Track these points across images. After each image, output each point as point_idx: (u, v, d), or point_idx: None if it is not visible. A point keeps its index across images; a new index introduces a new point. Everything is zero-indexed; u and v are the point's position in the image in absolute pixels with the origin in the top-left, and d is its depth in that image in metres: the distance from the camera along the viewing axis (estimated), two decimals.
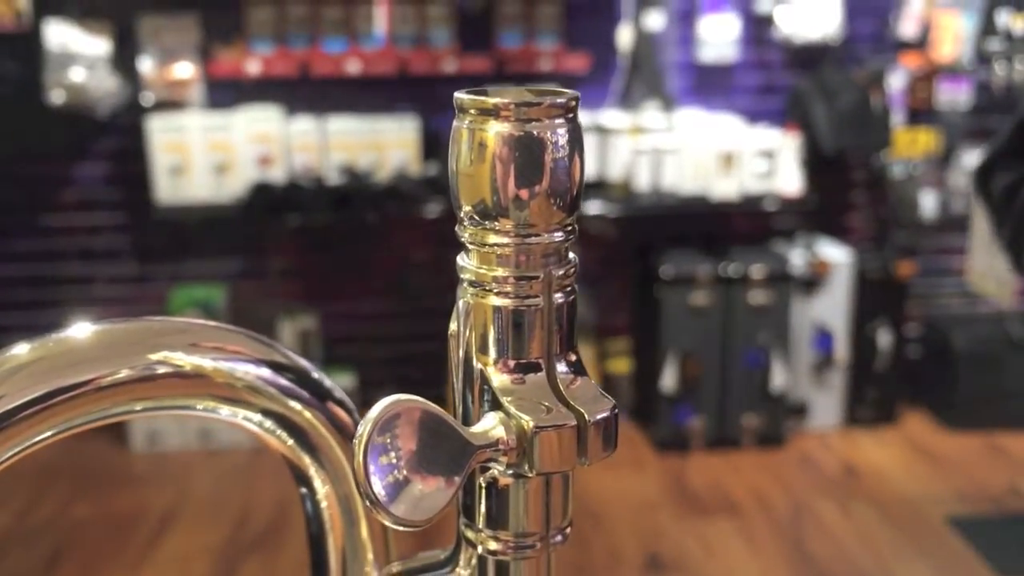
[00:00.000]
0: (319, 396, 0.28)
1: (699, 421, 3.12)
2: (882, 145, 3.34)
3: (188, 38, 3.08)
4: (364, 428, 0.22)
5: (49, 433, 0.25)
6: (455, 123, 0.24)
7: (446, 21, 3.13)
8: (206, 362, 0.26)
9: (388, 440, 0.22)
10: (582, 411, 0.24)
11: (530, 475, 0.24)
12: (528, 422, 0.23)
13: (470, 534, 0.26)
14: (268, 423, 0.28)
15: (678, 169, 3.08)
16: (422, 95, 3.20)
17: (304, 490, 0.29)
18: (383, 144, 3.09)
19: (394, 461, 0.22)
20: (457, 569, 0.27)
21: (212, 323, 0.27)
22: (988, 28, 3.37)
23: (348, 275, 3.35)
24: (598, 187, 3.14)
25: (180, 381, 0.26)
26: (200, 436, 3.12)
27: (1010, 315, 3.33)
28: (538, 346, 0.25)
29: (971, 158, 3.40)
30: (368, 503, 0.21)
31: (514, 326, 0.24)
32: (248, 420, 0.28)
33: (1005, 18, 3.37)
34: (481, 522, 0.25)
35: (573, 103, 0.23)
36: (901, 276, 3.29)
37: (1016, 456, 3.01)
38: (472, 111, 0.23)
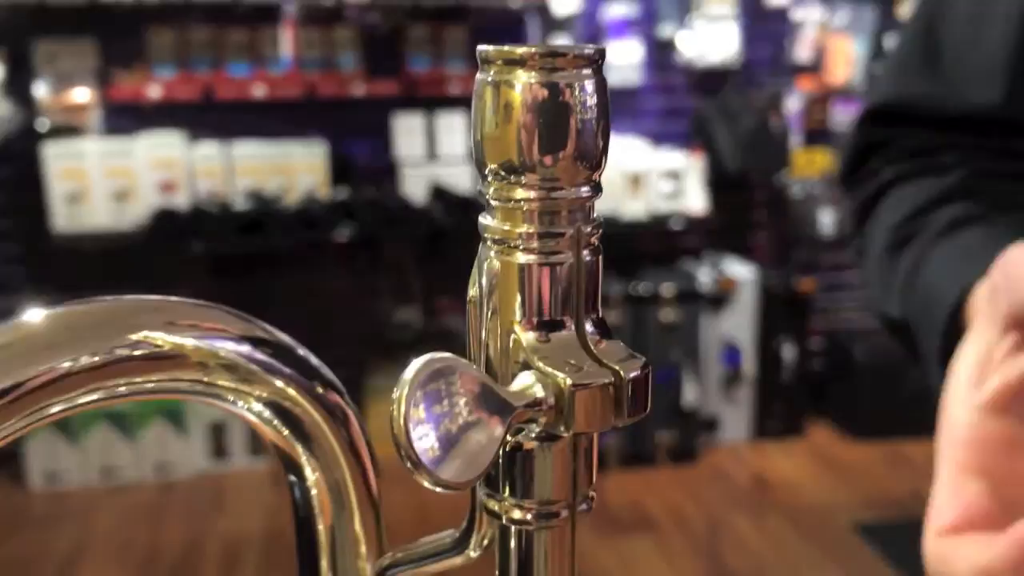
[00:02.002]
0: (310, 377, 0.27)
1: (614, 439, 3.14)
2: (781, 165, 3.45)
3: (85, 62, 3.00)
4: (402, 389, 0.21)
5: (23, 424, 0.24)
6: (478, 76, 0.23)
7: (353, 45, 3.12)
8: (189, 341, 0.25)
9: (425, 399, 0.21)
10: (617, 369, 0.23)
11: (566, 435, 0.23)
12: (565, 380, 0.23)
13: (493, 504, 0.25)
14: (267, 412, 0.26)
15: None
16: (330, 119, 3.18)
17: (292, 478, 0.27)
18: (291, 168, 3.05)
19: (435, 419, 0.21)
20: (467, 551, 0.26)
21: (189, 300, 0.26)
22: (877, 52, 3.53)
23: (257, 302, 3.28)
24: None
25: (158, 363, 0.25)
26: (102, 473, 3.00)
27: None
28: (567, 304, 0.24)
29: None
30: (409, 464, 0.20)
31: (542, 284, 0.24)
32: (245, 408, 0.26)
33: (892, 42, 3.53)
34: (505, 490, 0.25)
35: (599, 56, 0.23)
36: (803, 292, 3.39)
37: (917, 462, 3.12)
38: (498, 62, 0.23)
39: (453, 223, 3.02)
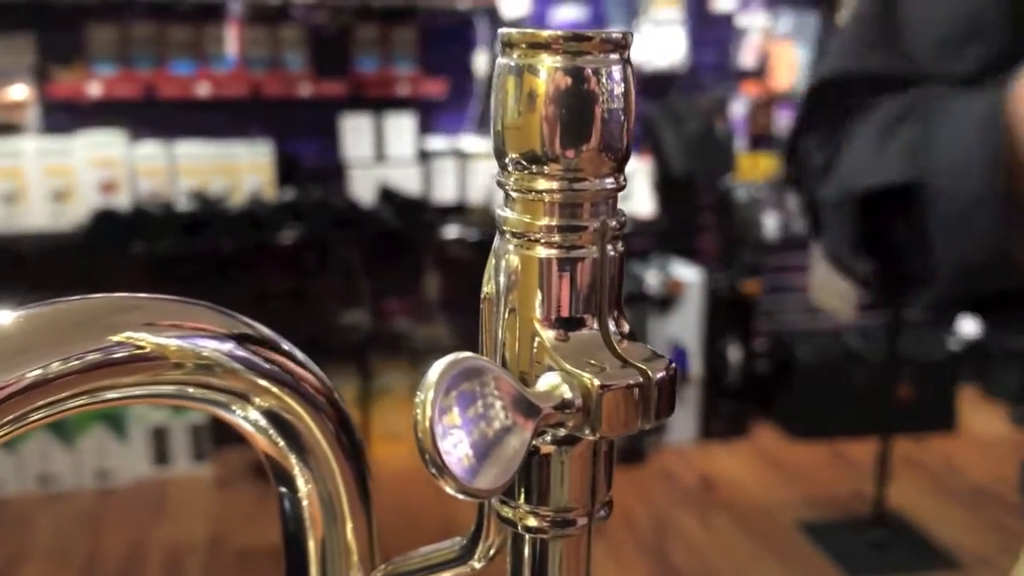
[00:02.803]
0: (307, 382, 0.25)
1: None
2: (727, 169, 3.49)
3: (23, 59, 2.91)
4: (427, 392, 0.19)
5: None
6: (500, 61, 0.22)
7: (300, 44, 3.08)
8: (178, 343, 0.23)
9: (459, 402, 0.20)
10: (645, 368, 0.22)
11: (591, 438, 0.22)
12: (592, 380, 0.22)
13: (507, 511, 0.24)
14: (263, 421, 0.24)
15: None
16: (276, 119, 3.13)
17: (283, 490, 0.26)
18: (236, 169, 3.00)
19: (468, 424, 0.20)
20: (471, 562, 0.25)
21: (169, 297, 0.24)
22: (820, 58, 3.58)
23: None
24: (458, 211, 3.14)
25: (145, 367, 0.23)
26: (39, 480, 2.92)
27: (848, 328, 3.53)
28: (591, 301, 0.23)
29: None
30: (434, 470, 0.19)
31: (565, 280, 0.23)
32: (241, 416, 0.24)
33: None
34: (520, 497, 0.24)
35: (627, 41, 0.22)
36: (748, 294, 3.42)
37: (858, 462, 3.17)
38: (521, 45, 0.21)
39: (402, 225, 3.00)
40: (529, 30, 0.22)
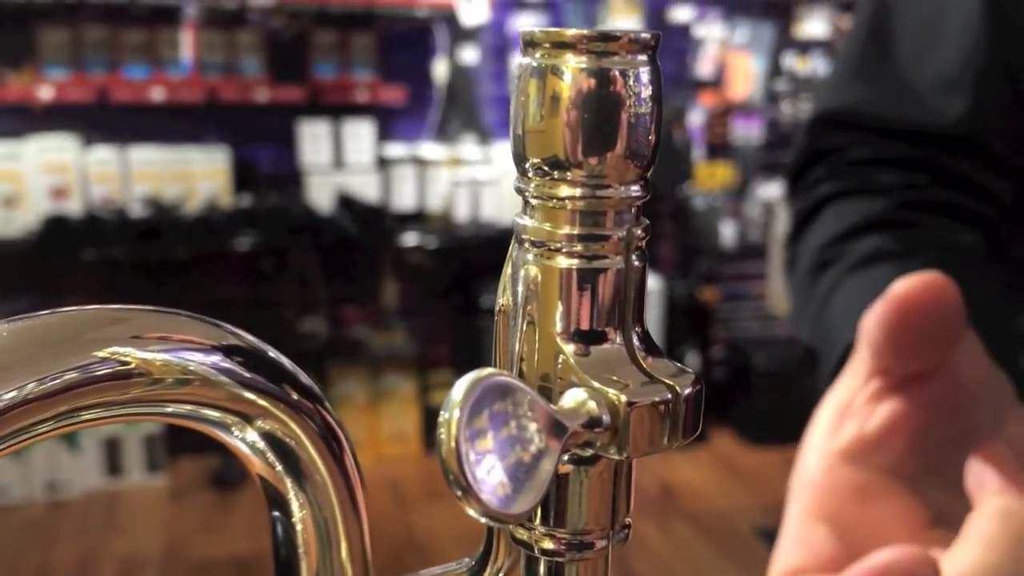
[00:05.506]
0: (305, 400, 0.24)
1: None
2: (685, 178, 3.51)
3: None
4: (452, 411, 0.18)
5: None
6: (521, 61, 0.21)
7: (257, 49, 3.05)
8: (167, 358, 0.22)
9: (493, 424, 0.18)
10: (672, 384, 0.22)
11: (618, 458, 0.21)
12: (619, 396, 0.21)
13: (522, 533, 0.23)
14: (261, 443, 0.23)
15: (496, 200, 3.12)
16: (233, 124, 3.09)
17: (276, 513, 0.25)
18: (191, 175, 2.95)
19: (501, 448, 0.18)
20: None
21: (150, 308, 0.23)
22: (775, 70, 3.63)
23: None
24: (416, 219, 3.13)
25: (134, 384, 0.22)
26: None
27: None
28: (614, 314, 0.22)
29: (764, 190, 3.63)
30: (458, 492, 0.18)
31: (588, 291, 0.22)
32: (238, 437, 0.23)
33: (790, 61, 3.64)
34: (536, 518, 0.23)
35: (655, 42, 0.21)
36: (706, 301, 3.45)
37: None
38: (545, 45, 0.21)
39: (360, 232, 2.98)
40: (553, 29, 0.21)
